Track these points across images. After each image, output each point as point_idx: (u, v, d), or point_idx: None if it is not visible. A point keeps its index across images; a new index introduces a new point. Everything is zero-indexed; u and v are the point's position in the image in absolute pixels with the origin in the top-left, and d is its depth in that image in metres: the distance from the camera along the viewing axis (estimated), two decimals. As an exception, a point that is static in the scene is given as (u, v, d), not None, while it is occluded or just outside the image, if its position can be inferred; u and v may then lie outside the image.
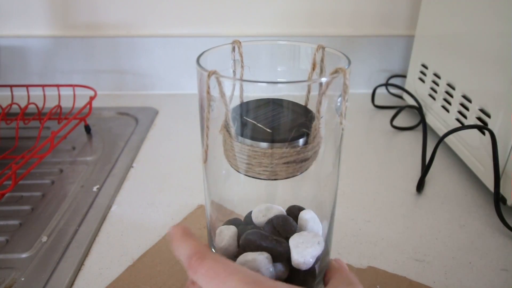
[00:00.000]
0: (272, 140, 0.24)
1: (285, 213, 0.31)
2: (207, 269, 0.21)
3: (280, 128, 0.25)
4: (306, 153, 0.25)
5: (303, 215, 0.29)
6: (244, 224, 0.31)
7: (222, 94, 0.24)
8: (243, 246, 0.27)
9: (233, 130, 0.25)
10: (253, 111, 0.27)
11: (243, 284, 0.20)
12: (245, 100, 0.28)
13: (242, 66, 0.29)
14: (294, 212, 0.31)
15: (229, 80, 0.25)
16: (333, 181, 0.30)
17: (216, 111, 0.26)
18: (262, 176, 0.25)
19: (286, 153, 0.24)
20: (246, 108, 0.27)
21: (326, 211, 0.31)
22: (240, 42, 0.29)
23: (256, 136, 0.25)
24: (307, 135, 0.25)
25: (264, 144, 0.24)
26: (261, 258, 0.25)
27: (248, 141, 0.25)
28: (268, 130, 0.25)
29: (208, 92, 0.24)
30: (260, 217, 0.30)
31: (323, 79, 0.23)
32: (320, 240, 0.27)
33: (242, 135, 0.25)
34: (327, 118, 0.25)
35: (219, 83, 0.23)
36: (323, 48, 0.28)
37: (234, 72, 0.30)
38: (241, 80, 0.25)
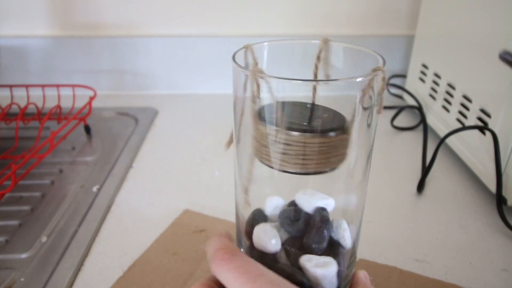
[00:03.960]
0: (305, 130, 0.25)
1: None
2: (237, 265, 0.21)
3: (313, 122, 0.26)
4: (338, 143, 0.26)
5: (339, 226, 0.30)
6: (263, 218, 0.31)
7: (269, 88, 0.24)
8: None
9: (267, 121, 0.26)
10: (288, 108, 0.27)
11: (271, 285, 0.20)
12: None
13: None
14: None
15: (269, 79, 0.25)
16: (363, 190, 0.30)
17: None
18: (293, 169, 0.25)
19: (319, 142, 0.25)
20: (281, 105, 0.27)
21: (353, 219, 0.31)
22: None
23: (291, 126, 0.25)
24: (341, 128, 0.26)
25: (297, 133, 0.25)
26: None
27: (282, 130, 0.25)
28: (303, 122, 0.25)
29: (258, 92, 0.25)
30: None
31: (363, 78, 0.24)
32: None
33: (276, 125, 0.25)
34: (360, 124, 0.26)
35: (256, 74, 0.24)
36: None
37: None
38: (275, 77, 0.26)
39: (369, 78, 0.25)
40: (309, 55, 0.30)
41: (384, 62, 0.27)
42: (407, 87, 0.73)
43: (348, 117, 0.27)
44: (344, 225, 0.29)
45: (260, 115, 0.26)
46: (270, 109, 0.26)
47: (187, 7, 0.76)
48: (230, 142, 0.30)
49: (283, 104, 0.27)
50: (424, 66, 0.66)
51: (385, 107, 0.73)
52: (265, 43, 0.29)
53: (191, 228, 0.43)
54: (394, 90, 0.78)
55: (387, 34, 0.77)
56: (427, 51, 0.66)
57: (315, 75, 0.30)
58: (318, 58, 0.29)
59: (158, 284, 0.36)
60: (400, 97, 0.76)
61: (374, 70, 0.26)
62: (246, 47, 0.27)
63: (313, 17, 0.77)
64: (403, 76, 0.78)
